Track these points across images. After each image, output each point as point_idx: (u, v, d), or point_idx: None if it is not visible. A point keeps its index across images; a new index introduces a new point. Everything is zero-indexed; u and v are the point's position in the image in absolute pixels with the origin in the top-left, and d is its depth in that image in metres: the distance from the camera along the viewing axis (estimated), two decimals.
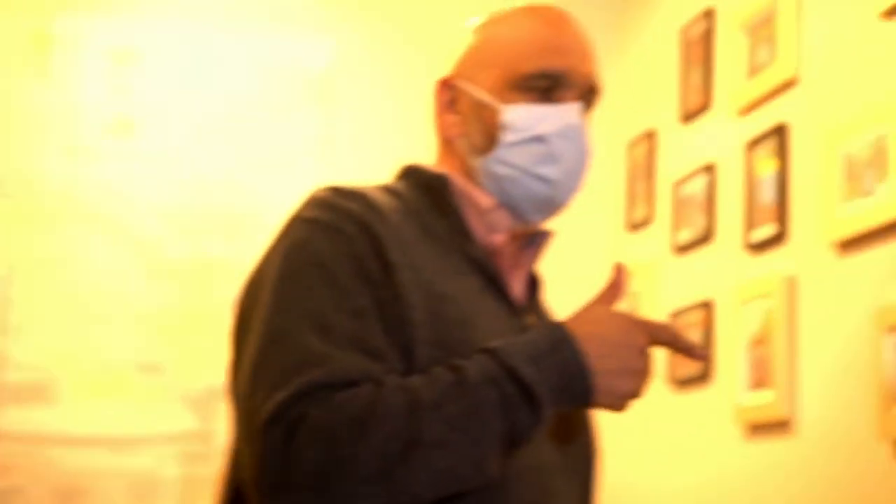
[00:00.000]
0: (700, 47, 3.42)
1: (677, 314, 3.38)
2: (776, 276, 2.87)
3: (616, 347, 1.30)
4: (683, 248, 3.40)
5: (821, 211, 2.74)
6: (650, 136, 3.69)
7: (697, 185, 3.35)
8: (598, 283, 3.85)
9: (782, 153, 2.93)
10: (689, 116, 3.45)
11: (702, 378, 3.21)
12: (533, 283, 1.59)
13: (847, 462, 2.56)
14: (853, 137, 2.64)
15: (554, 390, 1.28)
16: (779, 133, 2.95)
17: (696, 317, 3.27)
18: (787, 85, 2.95)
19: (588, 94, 1.53)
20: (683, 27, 3.54)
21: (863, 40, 2.68)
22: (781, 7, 2.98)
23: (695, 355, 1.38)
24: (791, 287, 2.83)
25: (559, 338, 1.30)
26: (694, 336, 3.27)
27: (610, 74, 3.96)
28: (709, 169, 3.30)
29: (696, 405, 3.25)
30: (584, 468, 1.53)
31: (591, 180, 4.03)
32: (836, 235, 2.66)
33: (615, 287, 1.39)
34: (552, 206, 1.52)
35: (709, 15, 3.40)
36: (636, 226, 3.72)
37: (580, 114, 1.50)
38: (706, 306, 3.23)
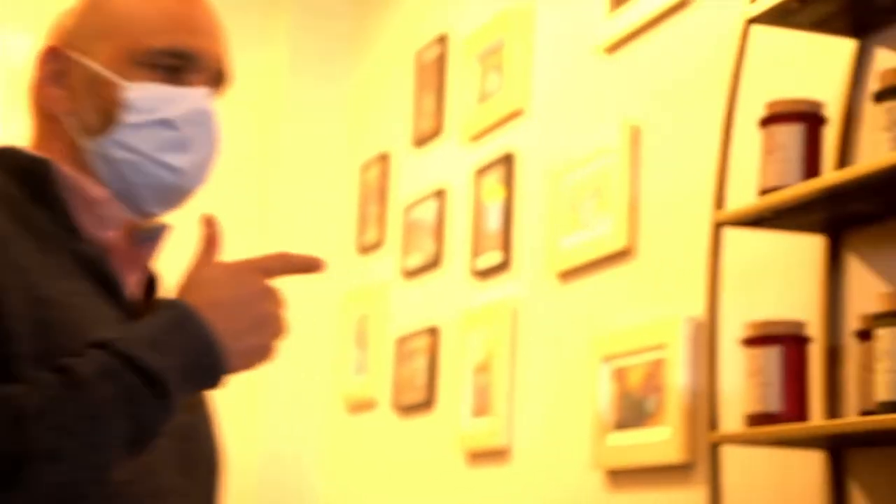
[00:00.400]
0: (433, 72, 3.42)
1: (404, 339, 3.36)
2: (500, 303, 2.89)
3: (238, 304, 1.21)
4: (412, 273, 3.38)
5: (544, 240, 2.77)
6: (384, 159, 3.66)
7: (428, 210, 3.34)
8: (328, 305, 3.82)
9: (509, 182, 2.95)
10: (422, 141, 3.44)
11: (426, 405, 3.19)
12: (151, 283, 1.45)
13: (561, 491, 2.59)
14: (576, 169, 2.68)
15: (183, 372, 1.18)
16: (506, 162, 2.97)
17: (423, 342, 3.25)
18: (515, 114, 2.98)
19: (218, 79, 1.42)
20: (418, 51, 3.53)
21: (587, 74, 2.73)
22: (511, 36, 3.01)
23: (312, 268, 1.30)
24: (513, 315, 2.85)
25: (179, 315, 1.19)
26: (420, 362, 3.25)
27: (345, 95, 3.91)
28: (439, 194, 3.30)
29: (420, 432, 3.23)
30: (207, 493, 1.42)
31: (323, 201, 4.04)
32: (558, 265, 2.69)
33: (210, 241, 1.29)
34: (177, 196, 1.39)
35: (442, 40, 3.41)
36: (367, 248, 3.68)
37: (210, 99, 1.39)
38: (433, 332, 3.22)
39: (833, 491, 1.91)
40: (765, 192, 1.90)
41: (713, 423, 1.91)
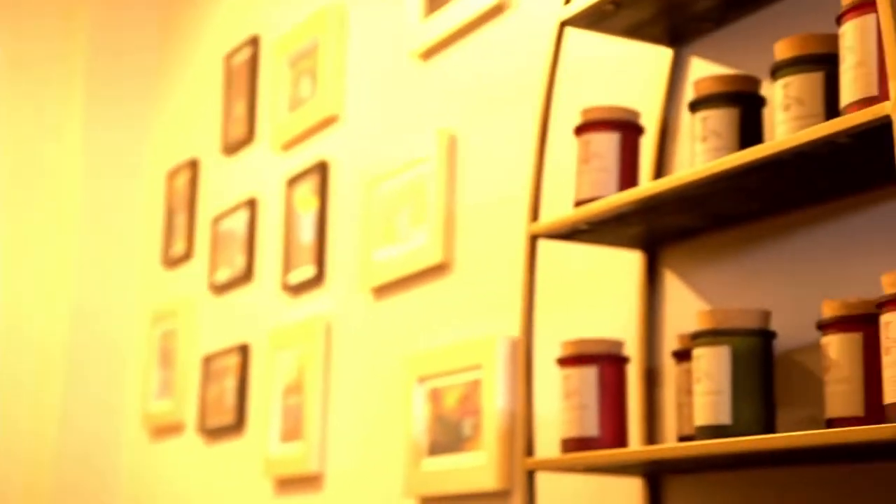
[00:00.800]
0: (244, 76, 3.24)
1: (212, 358, 3.16)
2: (312, 320, 2.73)
3: None
4: (221, 288, 3.18)
5: (358, 254, 2.63)
6: (192, 166, 3.45)
7: (238, 221, 3.15)
8: (131, 321, 3.57)
9: (323, 191, 2.80)
10: (232, 148, 3.25)
11: (235, 428, 3.00)
12: None
13: None
14: (391, 179, 2.54)
15: None
16: (320, 170, 2.82)
17: (232, 361, 3.06)
18: (329, 121, 2.83)
19: None
20: (228, 53, 3.34)
21: (402, 80, 2.60)
22: (324, 39, 2.86)
23: None
24: (327, 332, 2.69)
25: None
26: (229, 382, 3.06)
27: (151, 96, 3.69)
28: (250, 204, 3.11)
29: (229, 457, 3.03)
30: None
31: (126, 211, 3.79)
32: (372, 280, 2.56)
33: None
34: None
35: (254, 42, 3.23)
36: (174, 262, 3.46)
37: None
38: (243, 350, 3.03)
39: None
40: (580, 203, 1.80)
41: (529, 449, 1.79)
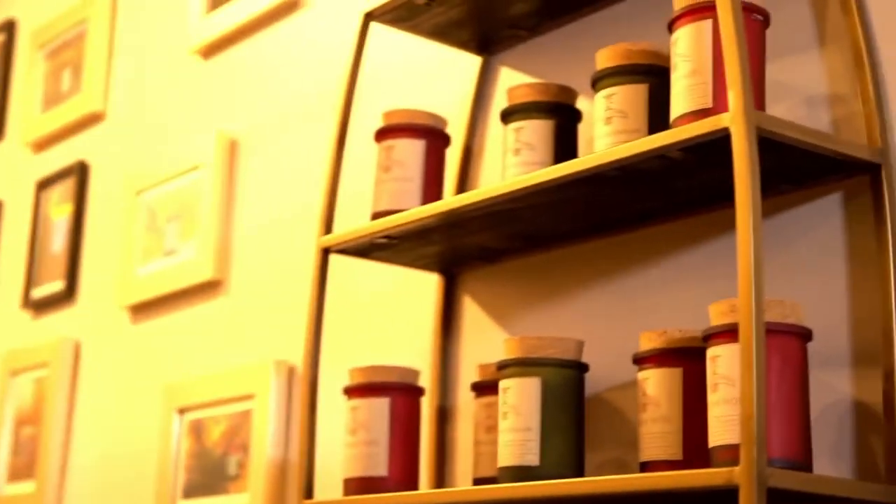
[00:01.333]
0: None
1: None
2: (58, 342, 2.43)
3: None
4: None
5: (117, 267, 2.36)
6: None
7: None
8: None
9: (80, 197, 2.51)
10: None
11: None
12: None
13: None
14: (159, 186, 2.29)
15: None
16: (77, 173, 2.53)
17: None
18: (91, 119, 2.55)
19: None
20: None
21: (177, 78, 2.36)
22: (91, 29, 2.58)
23: None
24: (74, 356, 2.40)
25: None
26: None
27: None
28: None
29: None
30: None
31: None
32: (131, 297, 2.29)
33: None
34: None
35: (10, 27, 2.90)
36: None
37: None
38: None
39: None
40: (378, 215, 1.62)
41: (308, 490, 1.58)
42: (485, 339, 1.69)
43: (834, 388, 1.30)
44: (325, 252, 1.65)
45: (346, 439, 1.58)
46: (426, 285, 1.78)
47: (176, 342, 2.20)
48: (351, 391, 1.60)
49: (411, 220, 1.54)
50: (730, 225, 1.38)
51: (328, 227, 1.65)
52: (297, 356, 1.93)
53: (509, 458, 1.38)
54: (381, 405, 1.58)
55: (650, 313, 1.49)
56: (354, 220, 1.83)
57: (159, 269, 2.24)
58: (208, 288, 2.15)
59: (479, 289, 1.72)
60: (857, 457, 1.27)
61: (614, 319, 1.53)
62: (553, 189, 1.40)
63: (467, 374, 1.70)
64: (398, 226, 1.56)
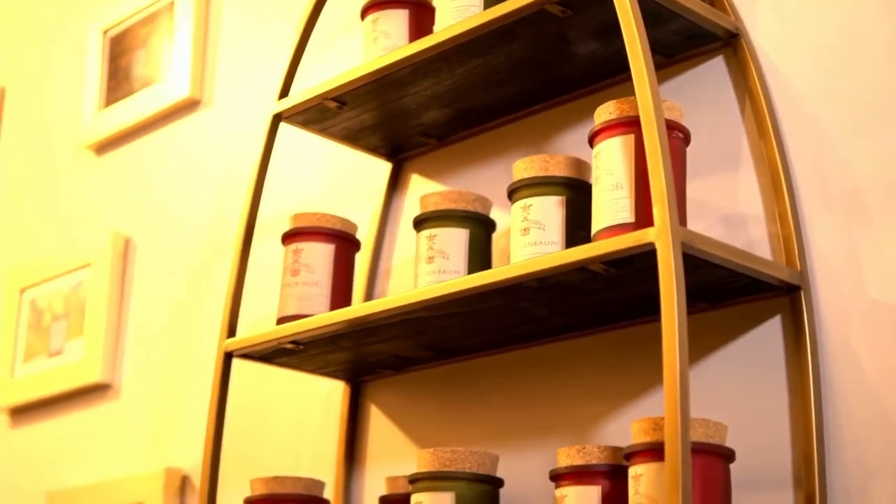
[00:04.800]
0: None
1: None
2: None
3: None
4: None
5: None
6: None
7: None
8: None
9: None
10: None
11: None
12: None
13: None
14: (47, 284, 2.20)
15: None
16: None
17: None
18: None
19: None
20: None
21: (69, 173, 2.30)
22: None
23: None
24: None
25: None
26: None
27: None
28: None
29: None
30: None
31: None
32: (9, 399, 2.18)
33: None
34: None
35: None
36: None
37: None
38: None
39: None
40: (284, 319, 1.57)
41: None
42: (393, 451, 1.64)
43: None
44: (228, 356, 1.59)
45: None
46: (333, 392, 1.73)
47: (60, 448, 2.09)
48: (253, 503, 1.53)
49: (320, 325, 1.49)
50: (650, 339, 1.37)
51: (232, 331, 1.60)
52: (190, 464, 1.85)
53: None
54: None
55: (568, 428, 1.47)
56: (253, 326, 1.78)
57: (43, 370, 2.14)
58: (96, 391, 2.06)
59: (387, 398, 1.67)
60: None
61: (531, 433, 1.50)
62: (469, 299, 1.38)
63: (374, 485, 1.65)
64: (306, 331, 1.51)
